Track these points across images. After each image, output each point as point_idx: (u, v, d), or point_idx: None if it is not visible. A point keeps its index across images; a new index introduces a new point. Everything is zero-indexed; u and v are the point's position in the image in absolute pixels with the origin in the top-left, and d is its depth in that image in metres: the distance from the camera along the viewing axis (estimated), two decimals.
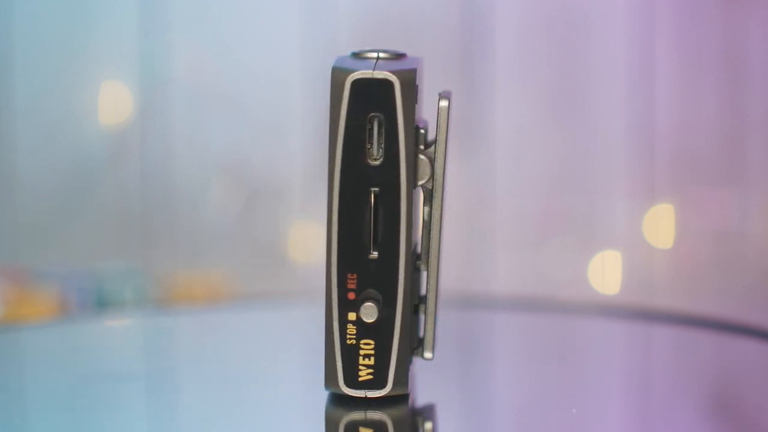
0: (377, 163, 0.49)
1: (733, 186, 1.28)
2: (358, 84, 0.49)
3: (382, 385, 0.50)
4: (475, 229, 1.28)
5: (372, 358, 0.50)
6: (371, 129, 0.49)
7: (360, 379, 0.50)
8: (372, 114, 0.49)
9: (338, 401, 0.50)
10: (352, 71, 0.49)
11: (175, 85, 1.28)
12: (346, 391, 0.50)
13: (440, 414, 0.51)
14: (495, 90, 1.28)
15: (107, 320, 0.86)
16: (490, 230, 1.29)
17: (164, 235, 1.29)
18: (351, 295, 0.49)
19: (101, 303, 1.21)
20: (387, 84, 0.49)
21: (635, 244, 1.28)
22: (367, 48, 0.52)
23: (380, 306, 0.49)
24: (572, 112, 1.30)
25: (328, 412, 0.50)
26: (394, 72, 0.49)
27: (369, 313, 0.49)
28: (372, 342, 0.49)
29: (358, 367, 0.50)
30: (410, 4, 1.29)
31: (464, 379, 0.54)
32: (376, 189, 0.49)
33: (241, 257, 1.30)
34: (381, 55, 0.51)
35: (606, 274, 1.28)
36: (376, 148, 0.49)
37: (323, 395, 0.50)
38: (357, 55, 0.51)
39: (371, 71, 0.49)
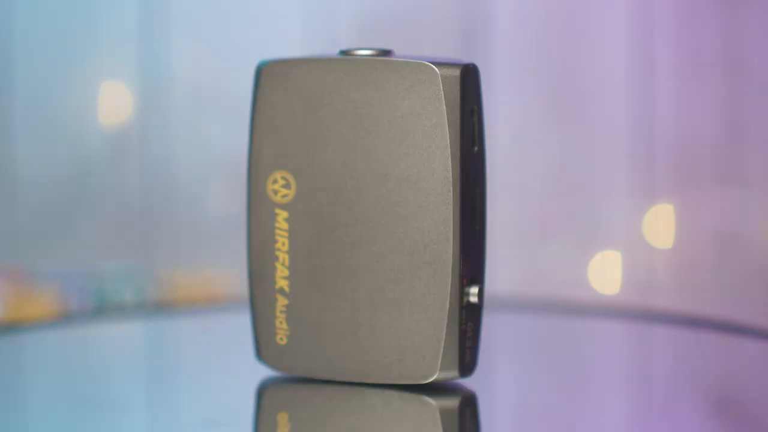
0: (476, 150, 0.50)
1: (733, 186, 1.28)
2: (465, 76, 0.50)
3: (475, 365, 0.51)
4: None
5: (471, 340, 0.50)
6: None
7: (466, 362, 0.50)
8: (473, 104, 0.50)
9: (415, 390, 0.50)
10: (452, 65, 0.50)
11: (175, 85, 1.28)
12: (460, 377, 0.50)
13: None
14: (495, 91, 1.28)
15: (107, 320, 0.86)
16: (490, 230, 1.29)
17: (164, 235, 1.29)
18: (465, 281, 0.50)
19: (101, 303, 1.21)
20: (477, 74, 0.50)
21: (635, 244, 1.28)
22: (355, 46, 0.52)
23: (481, 287, 0.50)
24: (572, 113, 1.30)
25: (425, 401, 0.50)
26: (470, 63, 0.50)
27: (479, 294, 0.50)
28: (472, 324, 0.50)
29: (466, 350, 0.50)
30: (410, 4, 1.29)
31: (463, 379, 0.54)
32: (477, 176, 0.50)
33: (241, 257, 1.30)
34: (371, 51, 0.51)
35: (606, 274, 1.28)
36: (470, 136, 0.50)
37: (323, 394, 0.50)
38: (347, 53, 0.51)
39: (469, 63, 0.50)
